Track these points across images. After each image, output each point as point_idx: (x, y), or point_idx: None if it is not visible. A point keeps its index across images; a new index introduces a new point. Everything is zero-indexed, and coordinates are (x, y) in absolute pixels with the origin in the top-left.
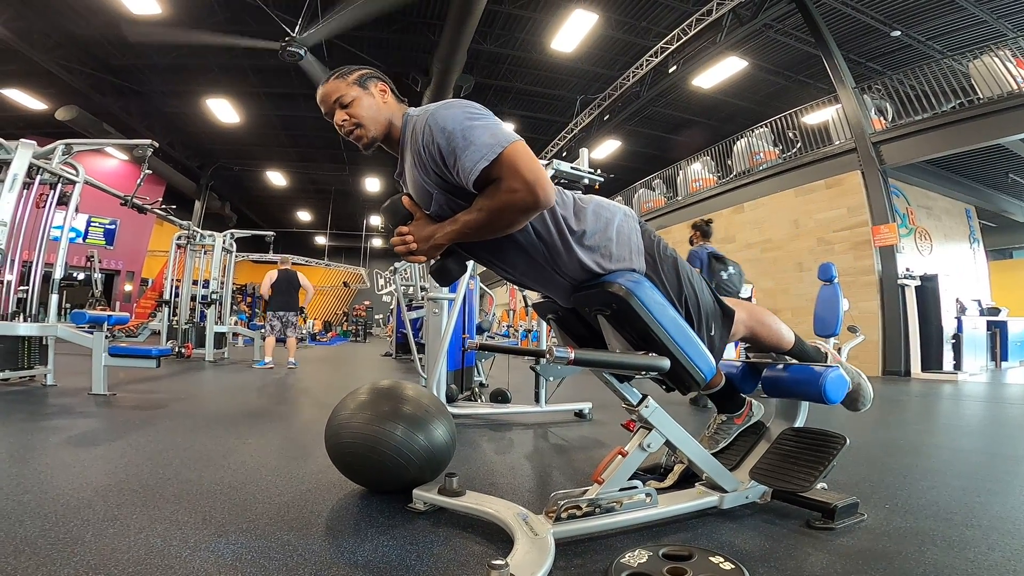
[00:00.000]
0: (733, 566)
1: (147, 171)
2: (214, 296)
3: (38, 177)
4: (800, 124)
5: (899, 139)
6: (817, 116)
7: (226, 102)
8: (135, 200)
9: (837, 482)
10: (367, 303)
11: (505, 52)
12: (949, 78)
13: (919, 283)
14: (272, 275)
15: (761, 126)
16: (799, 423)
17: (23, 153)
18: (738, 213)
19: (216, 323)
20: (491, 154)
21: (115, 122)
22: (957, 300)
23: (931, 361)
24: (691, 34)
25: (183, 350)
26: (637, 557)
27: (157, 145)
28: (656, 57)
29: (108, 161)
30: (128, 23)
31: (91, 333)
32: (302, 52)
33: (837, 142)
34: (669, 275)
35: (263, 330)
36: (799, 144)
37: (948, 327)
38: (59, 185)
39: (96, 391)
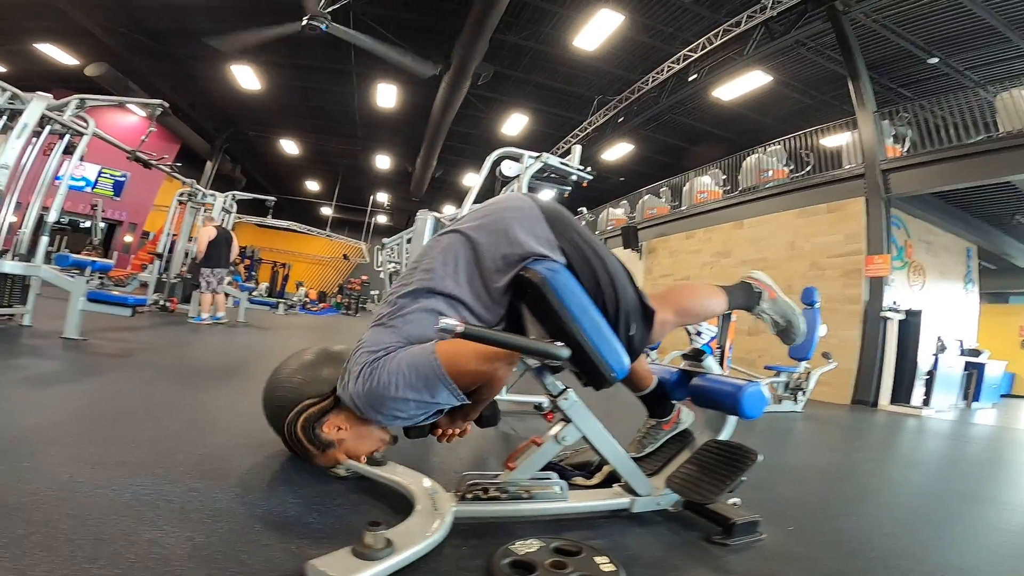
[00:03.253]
0: (613, 568)
1: (152, 128)
2: None
3: (48, 127)
4: (817, 146)
5: (909, 168)
6: (836, 139)
7: (249, 69)
8: (140, 154)
9: (759, 499)
10: (364, 277)
11: (528, 45)
12: (974, 111)
13: (903, 317)
14: (211, 232)
15: (775, 143)
16: (723, 436)
17: (37, 104)
18: (738, 229)
19: None
20: (439, 388)
21: (141, 81)
22: (938, 338)
23: (901, 394)
24: (716, 44)
25: (168, 304)
26: (527, 546)
27: (167, 106)
28: (678, 64)
29: (129, 117)
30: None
31: (74, 277)
32: (323, 26)
33: (848, 166)
34: (585, 269)
35: (202, 287)
36: (811, 165)
37: (924, 363)
38: (67, 136)
39: (68, 335)
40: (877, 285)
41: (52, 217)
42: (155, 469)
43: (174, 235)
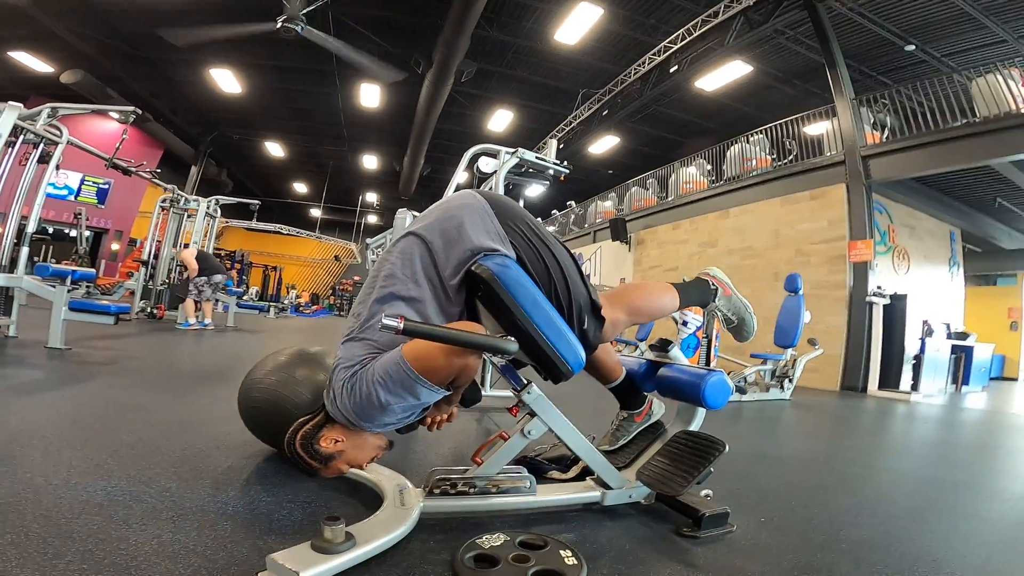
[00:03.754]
0: (576, 562)
1: (125, 136)
2: None
3: (21, 137)
4: (800, 134)
5: (889, 154)
6: (819, 127)
7: (229, 72)
8: (118, 161)
9: (736, 489)
10: (356, 278)
11: (510, 40)
12: (951, 98)
13: (888, 302)
14: (193, 250)
15: (756, 132)
16: (694, 426)
17: (8, 115)
18: (724, 218)
19: None
20: (411, 388)
21: (120, 87)
22: (925, 322)
23: (889, 379)
24: (696, 35)
25: (155, 311)
26: (492, 540)
27: (140, 112)
28: (660, 56)
29: (109, 124)
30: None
31: (55, 287)
32: (299, 28)
33: (829, 153)
34: (537, 263)
35: (192, 294)
36: (794, 153)
37: (911, 347)
38: (41, 145)
39: (52, 344)
40: (861, 270)
41: (31, 227)
42: (130, 471)
43: (159, 241)
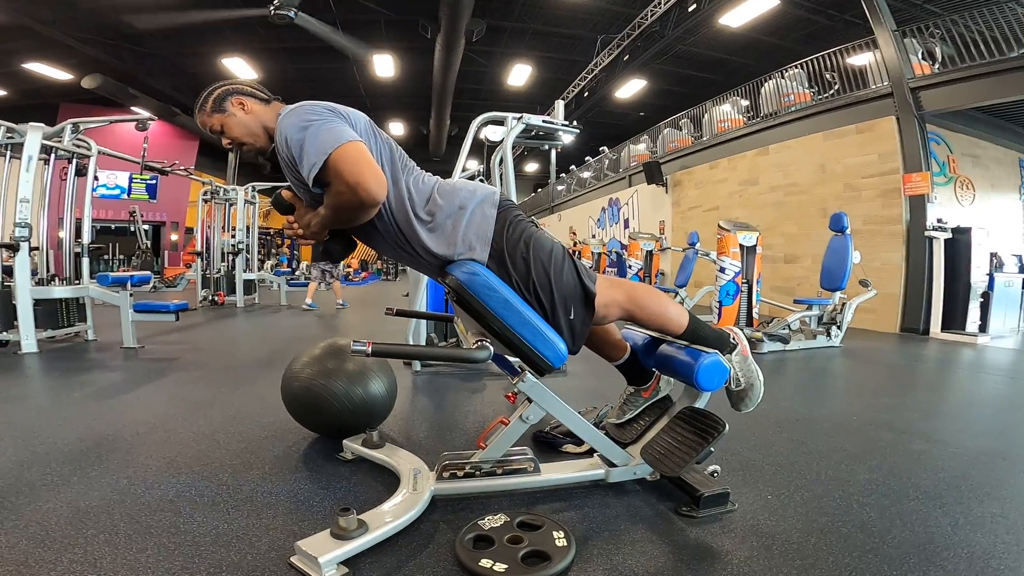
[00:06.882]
0: (565, 544)
1: (146, 144)
2: (240, 246)
3: (53, 155)
4: (843, 65)
5: (942, 85)
6: (863, 58)
7: (241, 61)
8: (151, 164)
9: (750, 460)
10: None
11: None
12: (1003, 27)
13: (949, 235)
14: None
15: (793, 66)
16: (700, 403)
17: (33, 135)
18: (763, 155)
19: (244, 271)
20: (318, 162)
21: (140, 85)
22: (993, 255)
23: (954, 320)
24: None
25: (215, 298)
26: (493, 521)
27: (156, 118)
28: None
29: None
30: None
31: (118, 292)
32: (292, 14)
33: (874, 86)
34: (517, 262)
35: (315, 278)
36: (837, 86)
37: (978, 284)
38: (75, 160)
39: (127, 344)
40: (918, 203)
41: (85, 239)
42: (195, 467)
43: (209, 228)
